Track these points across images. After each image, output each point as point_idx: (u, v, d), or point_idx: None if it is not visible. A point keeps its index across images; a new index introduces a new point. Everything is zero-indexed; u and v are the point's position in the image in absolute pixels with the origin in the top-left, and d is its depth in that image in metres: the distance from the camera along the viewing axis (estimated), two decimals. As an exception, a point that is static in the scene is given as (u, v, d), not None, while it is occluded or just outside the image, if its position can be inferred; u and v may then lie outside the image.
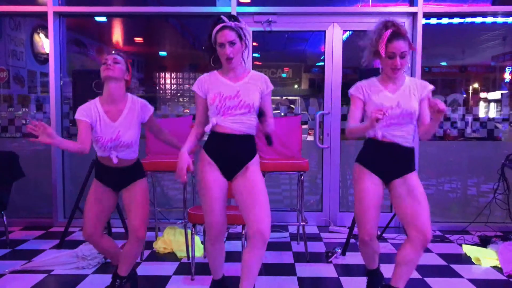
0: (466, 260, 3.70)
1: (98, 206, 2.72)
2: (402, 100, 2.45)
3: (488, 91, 5.11)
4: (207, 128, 2.46)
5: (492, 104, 5.05)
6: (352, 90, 2.58)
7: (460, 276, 3.34)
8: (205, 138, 2.58)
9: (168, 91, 5.55)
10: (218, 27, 2.39)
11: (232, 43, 2.38)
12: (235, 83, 2.45)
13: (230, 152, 2.46)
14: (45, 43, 5.16)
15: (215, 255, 2.66)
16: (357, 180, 2.56)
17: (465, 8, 4.73)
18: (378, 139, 2.46)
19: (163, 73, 5.52)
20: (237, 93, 2.41)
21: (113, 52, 2.80)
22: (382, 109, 2.27)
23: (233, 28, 2.39)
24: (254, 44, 4.75)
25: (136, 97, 2.75)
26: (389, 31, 2.40)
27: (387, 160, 2.49)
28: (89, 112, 2.61)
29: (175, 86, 5.59)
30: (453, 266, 3.54)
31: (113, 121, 2.62)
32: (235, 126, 2.42)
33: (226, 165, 2.48)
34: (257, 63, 5.05)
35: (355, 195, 2.57)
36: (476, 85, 5.22)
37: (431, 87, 2.55)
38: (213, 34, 2.41)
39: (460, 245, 4.04)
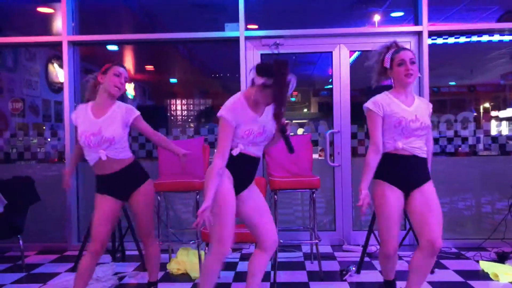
0: (483, 276, 3.64)
1: (107, 222, 2.78)
2: (418, 114, 2.54)
3: (498, 109, 5.11)
4: (235, 152, 2.45)
5: (504, 122, 5.04)
6: (370, 105, 2.58)
7: (478, 291, 3.29)
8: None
9: (179, 117, 5.64)
10: (289, 84, 2.36)
11: None
12: (261, 117, 2.49)
13: (249, 171, 2.55)
14: (59, 72, 5.31)
15: (216, 274, 2.53)
16: (379, 196, 2.58)
17: (470, 26, 4.78)
18: (398, 149, 2.52)
19: (174, 99, 5.63)
20: (263, 129, 2.48)
21: (120, 66, 2.87)
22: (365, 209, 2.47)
23: None
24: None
25: (122, 103, 2.87)
26: (393, 49, 2.58)
27: (407, 172, 2.55)
28: (76, 114, 2.85)
29: (185, 112, 5.69)
30: (470, 282, 3.48)
31: (97, 118, 2.75)
32: (257, 152, 2.52)
33: (242, 183, 2.53)
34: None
35: (379, 211, 2.60)
36: (486, 104, 5.23)
37: (431, 105, 2.70)
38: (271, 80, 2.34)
39: (477, 261, 3.98)
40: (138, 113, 2.86)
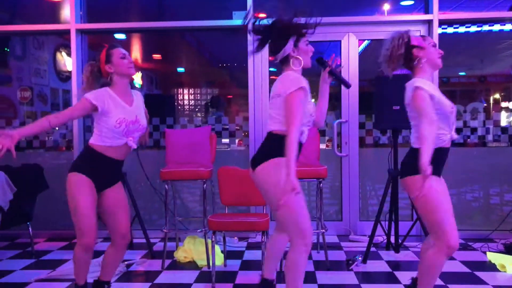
0: (490, 267, 3.63)
1: (94, 212, 2.61)
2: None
3: (509, 100, 5.05)
4: (303, 139, 2.40)
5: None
6: (420, 83, 2.34)
7: (484, 283, 3.27)
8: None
9: (187, 106, 5.64)
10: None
11: None
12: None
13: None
14: (67, 61, 5.32)
15: (304, 268, 2.48)
16: (434, 191, 2.36)
17: (481, 14, 4.71)
18: (453, 140, 2.47)
19: (182, 89, 5.63)
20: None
21: (116, 46, 2.67)
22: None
23: None
24: (271, 58, 4.80)
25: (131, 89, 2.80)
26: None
27: (444, 161, 2.50)
28: (101, 97, 2.53)
29: (193, 101, 5.69)
30: (477, 273, 3.48)
31: (129, 106, 2.63)
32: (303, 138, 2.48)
33: None
34: (274, 77, 5.09)
35: (435, 206, 2.40)
36: (496, 95, 5.17)
37: None
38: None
39: (484, 252, 3.97)
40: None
